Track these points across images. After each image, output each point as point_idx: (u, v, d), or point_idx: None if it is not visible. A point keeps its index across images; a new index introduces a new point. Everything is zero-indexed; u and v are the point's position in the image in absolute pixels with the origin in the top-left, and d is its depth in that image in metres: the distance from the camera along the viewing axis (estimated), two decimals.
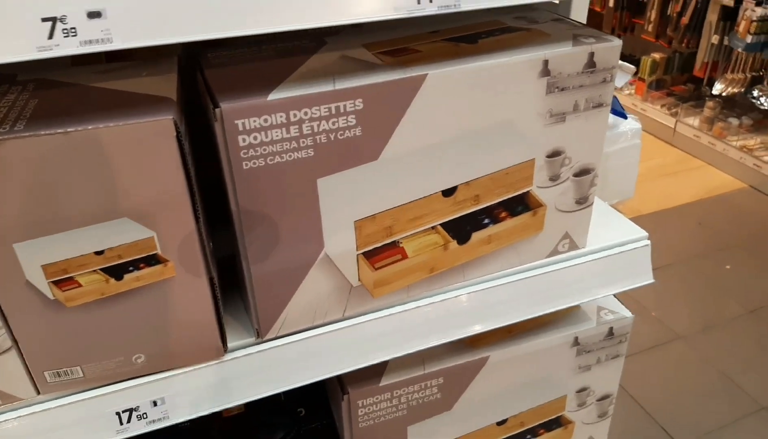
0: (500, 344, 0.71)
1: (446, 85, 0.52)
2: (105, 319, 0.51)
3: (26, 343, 0.50)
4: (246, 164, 0.48)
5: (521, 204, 0.62)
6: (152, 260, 0.49)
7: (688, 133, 2.96)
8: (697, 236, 2.45)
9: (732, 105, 2.94)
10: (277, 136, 0.48)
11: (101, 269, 0.49)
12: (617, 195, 1.03)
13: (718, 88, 2.86)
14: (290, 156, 0.49)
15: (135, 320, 0.52)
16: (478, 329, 0.65)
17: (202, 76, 0.52)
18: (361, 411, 0.68)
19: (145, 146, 0.44)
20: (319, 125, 0.49)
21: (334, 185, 0.52)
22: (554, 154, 0.60)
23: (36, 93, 0.48)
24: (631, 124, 1.02)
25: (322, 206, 0.53)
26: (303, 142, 0.49)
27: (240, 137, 0.47)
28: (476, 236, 0.61)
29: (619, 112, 0.96)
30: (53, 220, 0.45)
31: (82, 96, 0.48)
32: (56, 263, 0.47)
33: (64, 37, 0.39)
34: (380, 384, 0.67)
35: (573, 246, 0.67)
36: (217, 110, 0.46)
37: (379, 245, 0.57)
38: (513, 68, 0.53)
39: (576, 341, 0.74)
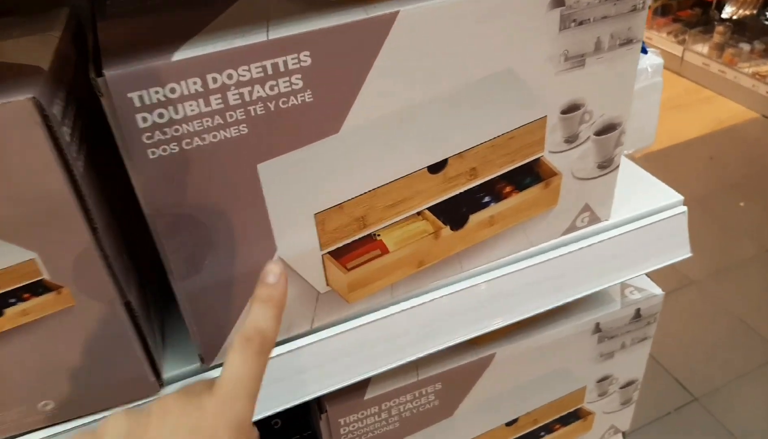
0: (508, 338, 0.60)
1: (424, 26, 0.38)
2: None
3: None
4: (152, 152, 0.35)
5: (530, 175, 0.49)
6: (39, 288, 0.37)
7: (697, 62, 2.79)
8: (709, 171, 2.32)
9: (743, 29, 2.75)
10: (192, 110, 0.35)
11: None
12: (635, 142, 0.89)
13: (727, 11, 2.67)
14: (215, 136, 0.36)
15: (31, 361, 0.39)
16: (480, 329, 0.53)
17: (93, 33, 0.38)
18: (344, 430, 0.57)
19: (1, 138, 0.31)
20: (251, 92, 0.35)
21: (281, 171, 0.39)
22: (571, 108, 0.47)
23: None
24: (651, 59, 0.87)
25: (267, 199, 0.40)
26: (231, 116, 0.36)
27: (139, 116, 0.34)
28: (475, 218, 0.48)
29: None
30: None
31: None
32: None
33: None
34: (365, 398, 0.56)
35: (594, 219, 0.55)
36: (100, 80, 0.32)
37: (350, 240, 0.44)
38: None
39: (597, 328, 0.62)
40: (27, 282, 0.36)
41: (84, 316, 0.38)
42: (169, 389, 0.45)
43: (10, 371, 0.39)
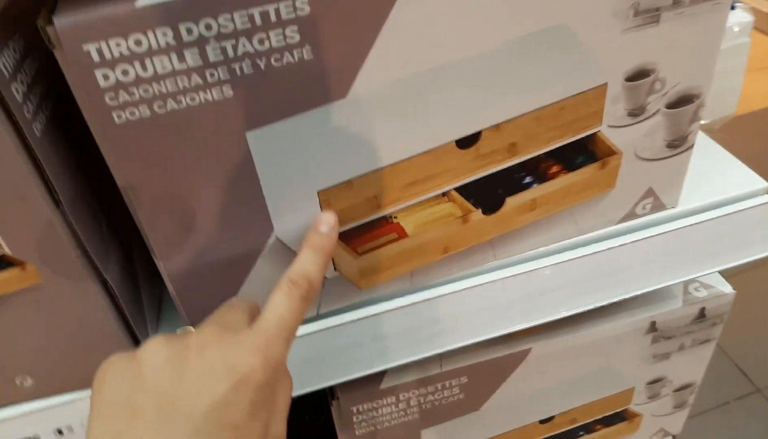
0: (547, 332, 0.53)
1: None
2: None
3: None
4: (118, 116, 0.29)
5: (583, 152, 0.41)
6: (1, 263, 0.32)
7: None
8: None
9: None
10: (164, 68, 0.29)
11: None
12: (715, 112, 0.78)
13: None
14: (192, 99, 0.30)
15: (6, 336, 0.36)
16: (513, 326, 0.47)
17: None
18: (357, 418, 0.52)
19: None
20: (235, 47, 0.29)
21: (275, 140, 0.33)
22: (639, 75, 0.38)
23: None
24: (739, 15, 0.76)
25: (260, 173, 0.34)
26: (212, 75, 0.30)
27: (99, 73, 0.28)
28: (512, 201, 0.41)
29: None
30: None
31: None
32: None
33: None
34: (381, 387, 0.51)
35: (658, 206, 0.46)
36: (50, 28, 0.27)
37: (361, 222, 0.38)
38: None
39: (653, 327, 0.55)
40: None
41: (54, 294, 0.34)
42: None
43: None
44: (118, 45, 0.28)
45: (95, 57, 0.28)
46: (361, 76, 0.32)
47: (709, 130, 0.68)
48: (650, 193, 0.45)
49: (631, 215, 0.46)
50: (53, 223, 0.31)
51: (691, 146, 0.44)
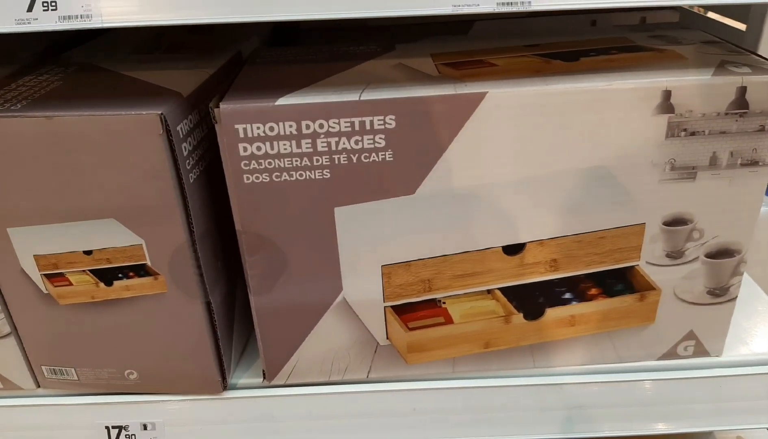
0: None
1: (511, 110, 0.39)
2: (96, 325, 0.46)
3: (24, 332, 0.48)
4: (247, 178, 0.41)
5: (622, 281, 0.46)
6: (141, 271, 0.44)
7: None
8: None
9: None
10: (285, 149, 0.40)
11: (91, 271, 0.44)
12: None
13: None
14: (301, 175, 0.41)
15: (126, 332, 0.47)
16: (546, 434, 0.50)
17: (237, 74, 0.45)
18: None
19: (129, 142, 0.39)
20: (337, 143, 0.40)
21: (355, 217, 0.42)
22: (676, 222, 0.44)
23: (67, 76, 0.46)
24: None
25: (340, 240, 0.43)
26: (317, 160, 0.40)
27: (241, 146, 0.40)
28: (552, 313, 0.47)
29: None
30: (43, 209, 0.42)
31: (103, 83, 0.44)
32: (46, 255, 0.44)
33: (44, 10, 0.35)
34: None
35: (701, 351, 0.49)
36: (216, 110, 0.39)
37: (414, 300, 0.46)
38: (612, 97, 0.39)
39: None
40: (133, 263, 0.43)
41: (171, 305, 0.45)
42: (231, 393, 0.50)
43: (109, 335, 0.47)
44: (258, 128, 0.39)
45: (241, 134, 0.39)
46: (427, 180, 0.41)
47: None
48: (691, 335, 0.48)
49: (672, 354, 0.49)
50: (184, 247, 0.42)
51: (734, 298, 0.47)
